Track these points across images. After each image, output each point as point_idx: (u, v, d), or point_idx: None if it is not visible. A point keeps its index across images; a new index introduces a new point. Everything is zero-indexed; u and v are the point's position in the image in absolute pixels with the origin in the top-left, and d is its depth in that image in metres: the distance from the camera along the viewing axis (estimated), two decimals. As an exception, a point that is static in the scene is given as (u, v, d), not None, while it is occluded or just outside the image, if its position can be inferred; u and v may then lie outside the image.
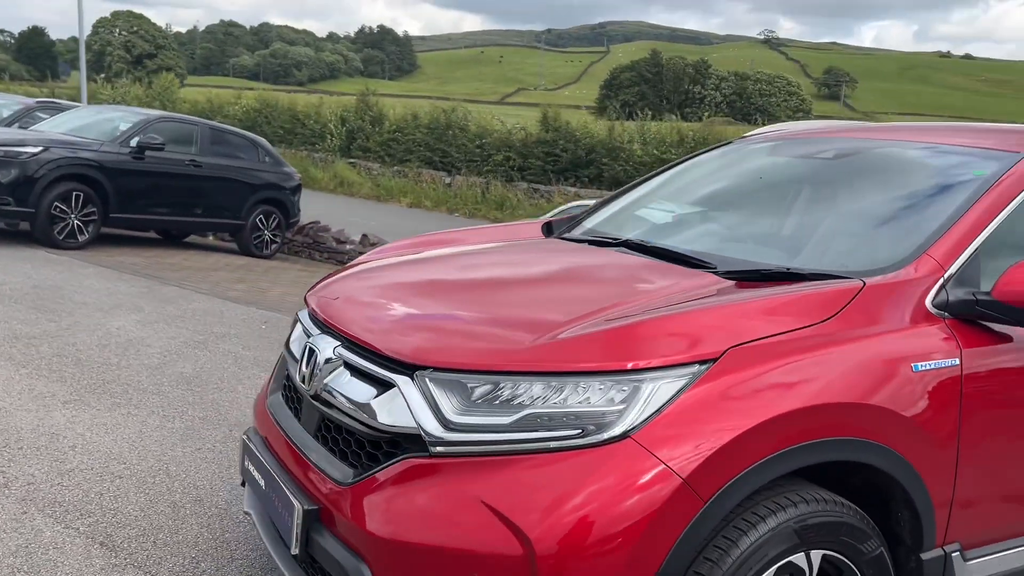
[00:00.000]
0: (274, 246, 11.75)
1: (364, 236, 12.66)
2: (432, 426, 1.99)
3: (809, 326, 2.08)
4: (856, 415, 2.04)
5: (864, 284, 2.20)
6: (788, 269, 2.38)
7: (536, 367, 1.95)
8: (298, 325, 2.79)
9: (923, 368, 2.15)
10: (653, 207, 3.32)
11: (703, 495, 1.85)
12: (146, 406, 4.56)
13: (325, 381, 2.31)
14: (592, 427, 1.89)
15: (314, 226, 13.12)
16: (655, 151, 21.96)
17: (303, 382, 2.40)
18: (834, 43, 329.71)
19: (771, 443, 1.92)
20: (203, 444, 4.13)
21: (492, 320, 2.23)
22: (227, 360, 5.59)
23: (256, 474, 2.53)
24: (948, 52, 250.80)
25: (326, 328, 2.45)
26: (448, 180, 25.26)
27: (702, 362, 1.93)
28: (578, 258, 2.81)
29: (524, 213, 21.92)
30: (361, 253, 12.43)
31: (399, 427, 2.06)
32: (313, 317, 2.61)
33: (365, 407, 2.14)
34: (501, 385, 1.97)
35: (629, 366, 1.91)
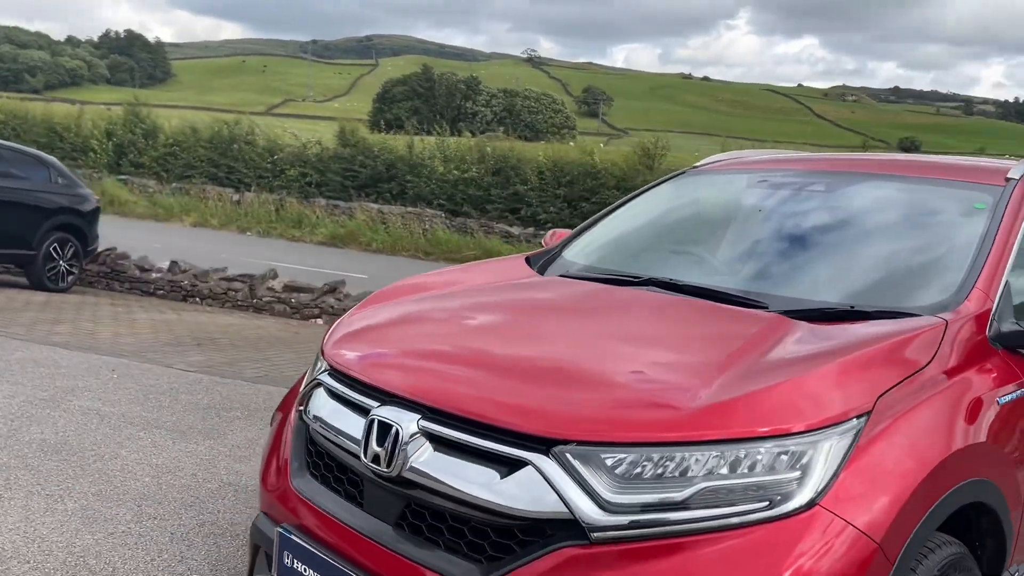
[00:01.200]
0: (71, 278, 10.43)
1: (174, 263, 11.58)
2: (588, 509, 1.78)
3: (923, 368, 2.10)
4: (978, 455, 2.09)
5: (947, 322, 2.26)
6: (852, 307, 2.40)
7: (704, 435, 1.80)
8: (320, 391, 2.42)
9: (1006, 400, 2.26)
10: (645, 242, 3.26)
11: (891, 557, 1.80)
12: (18, 486, 3.81)
13: (411, 462, 2.01)
14: (778, 497, 1.76)
15: (111, 253, 11.82)
16: (456, 169, 22.08)
17: (376, 463, 2.06)
18: (590, 63, 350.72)
19: (935, 493, 1.91)
20: (114, 527, 3.51)
21: (615, 383, 2.02)
22: (91, 420, 4.82)
23: (315, 574, 2.14)
24: (690, 74, 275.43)
25: (393, 398, 2.12)
26: (236, 197, 23.84)
27: (859, 416, 1.88)
28: (627, 301, 2.64)
29: (326, 231, 21.21)
30: (173, 281, 11.43)
31: (544, 513, 1.82)
32: (358, 382, 2.26)
33: (486, 491, 1.88)
34: (665, 458, 1.79)
35: (803, 427, 1.82)
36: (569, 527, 1.80)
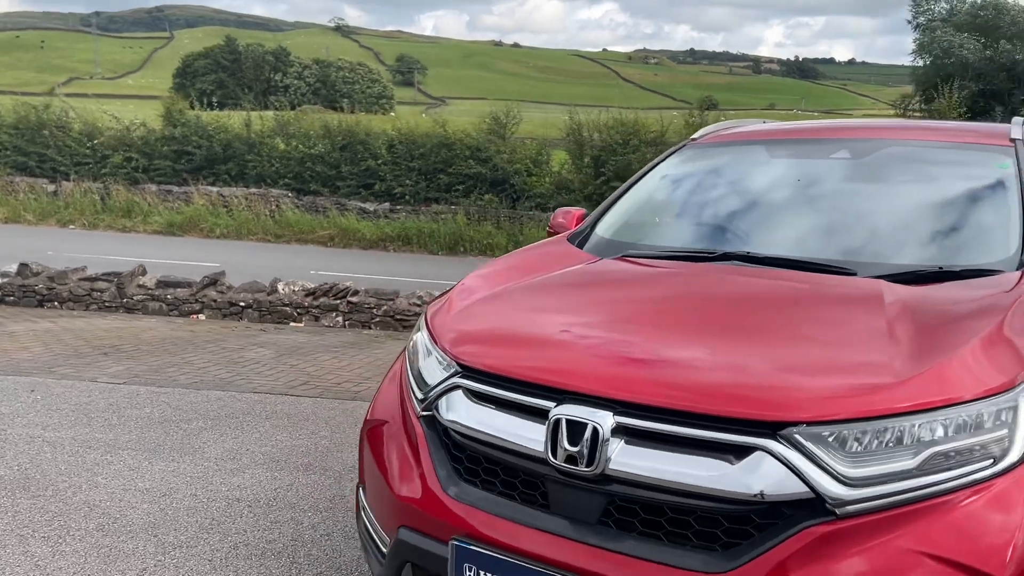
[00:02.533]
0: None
1: (24, 265, 10.45)
2: (831, 486, 1.82)
3: None
4: None
5: None
6: (940, 268, 2.59)
7: (925, 403, 1.88)
8: (457, 395, 2.30)
9: None
10: (687, 217, 3.32)
11: None
12: (2, 531, 3.38)
13: (614, 459, 1.98)
14: (998, 453, 1.88)
15: (-60, 259, 10.50)
16: (301, 146, 21.25)
17: (572, 463, 2.01)
18: (400, 31, 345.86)
19: None
20: (143, 562, 3.20)
21: (810, 363, 2.06)
22: (41, 448, 4.33)
23: None
24: (500, 41, 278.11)
25: (575, 396, 2.07)
26: (53, 188, 21.79)
27: None
28: (742, 281, 2.63)
29: (161, 219, 19.85)
30: (25, 286, 10.32)
31: (784, 495, 1.84)
32: (518, 383, 2.17)
33: (715, 480, 1.88)
34: (892, 428, 1.86)
35: (1002, 386, 1.94)
36: (806, 506, 1.83)
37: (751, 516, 1.88)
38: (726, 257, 2.82)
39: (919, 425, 1.86)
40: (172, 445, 4.48)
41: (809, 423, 1.86)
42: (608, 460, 1.97)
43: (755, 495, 1.85)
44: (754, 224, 3.16)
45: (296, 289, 9.93)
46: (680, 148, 3.85)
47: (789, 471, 1.84)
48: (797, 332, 2.25)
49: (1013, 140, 3.16)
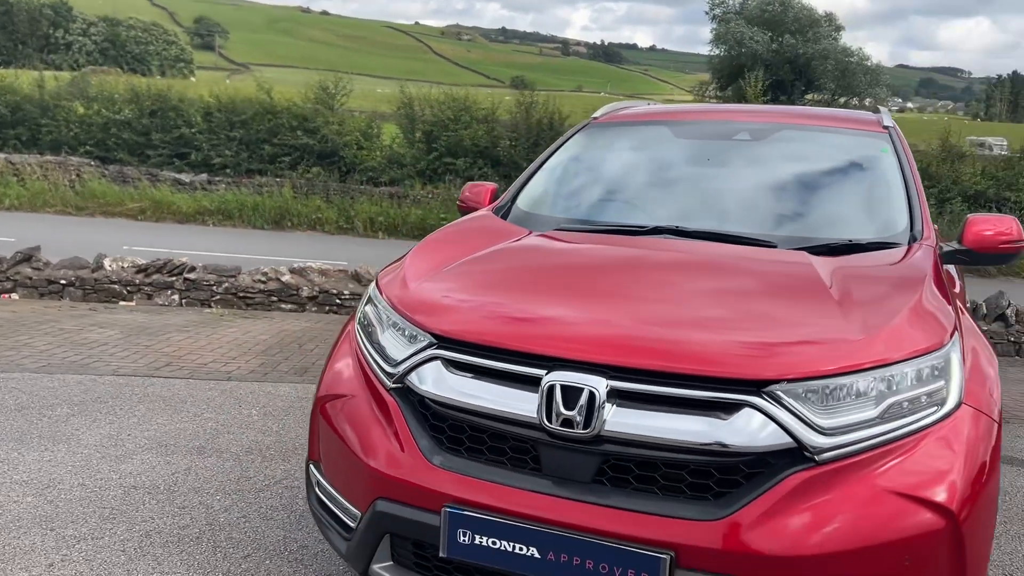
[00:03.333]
0: None
1: None
2: (811, 436, 2.02)
3: (949, 285, 2.64)
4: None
5: (932, 248, 2.84)
6: (850, 241, 2.90)
7: (882, 359, 2.12)
8: (434, 366, 2.31)
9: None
10: (609, 193, 3.45)
11: (999, 423, 2.30)
12: None
13: (608, 421, 2.08)
14: (941, 401, 2.16)
15: None
16: (104, 110, 19.59)
17: (569, 427, 2.09)
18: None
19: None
20: (48, 560, 2.95)
21: (776, 325, 2.24)
22: None
23: (516, 545, 2.11)
24: (308, 8, 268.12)
25: (565, 362, 2.15)
26: None
27: (955, 329, 2.34)
28: (680, 251, 2.80)
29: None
30: None
31: (771, 446, 2.02)
32: (503, 352, 2.22)
33: (708, 435, 2.03)
34: (857, 382, 2.08)
35: (939, 343, 2.22)
36: (788, 455, 2.03)
37: (740, 467, 2.05)
38: (656, 231, 3.00)
39: (878, 379, 2.11)
40: (40, 433, 4.11)
41: (790, 380, 2.05)
42: (604, 422, 2.08)
43: (744, 447, 2.02)
44: (674, 200, 3.37)
45: (125, 266, 9.25)
46: (584, 126, 3.99)
47: (774, 424, 2.03)
48: (759, 298, 2.45)
49: (886, 127, 3.57)
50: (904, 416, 2.11)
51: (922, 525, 2.01)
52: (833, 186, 3.35)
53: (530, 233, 3.06)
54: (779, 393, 2.05)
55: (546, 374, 2.15)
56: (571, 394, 2.10)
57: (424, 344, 2.38)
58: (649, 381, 2.09)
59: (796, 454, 2.03)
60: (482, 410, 2.23)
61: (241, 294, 9.08)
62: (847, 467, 2.04)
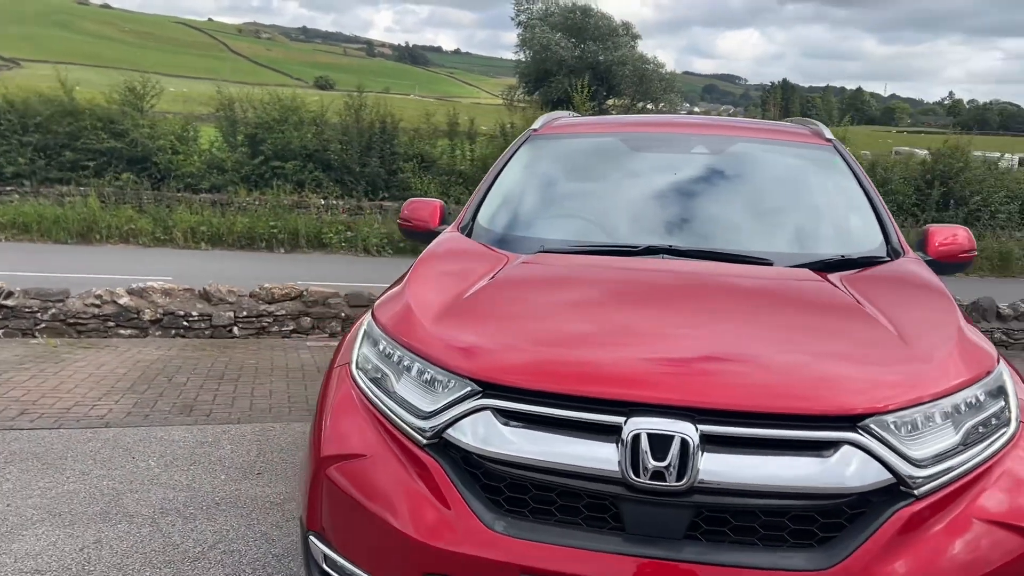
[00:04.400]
0: None
1: None
2: (909, 470, 1.94)
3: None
4: None
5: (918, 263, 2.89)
6: (842, 256, 2.88)
7: (952, 388, 2.08)
8: (482, 418, 2.02)
9: None
10: (582, 210, 3.27)
11: None
12: None
13: (702, 470, 1.90)
14: (1005, 421, 2.14)
15: None
16: None
17: (660, 479, 1.89)
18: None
19: None
20: None
21: (849, 357, 2.14)
22: None
23: None
24: (87, 0, 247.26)
25: (647, 408, 1.95)
26: None
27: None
28: (692, 274, 2.67)
29: None
30: None
31: (873, 484, 1.92)
32: (572, 399, 1.98)
33: (810, 478, 1.90)
34: (938, 411, 2.03)
35: (995, 362, 2.23)
36: (886, 492, 1.94)
37: (843, 508, 1.94)
38: (649, 251, 2.85)
39: (955, 405, 2.08)
40: None
41: (881, 413, 1.97)
42: (698, 472, 1.90)
43: (848, 487, 1.90)
44: (655, 217, 3.23)
45: (-76, 292, 7.99)
46: (528, 139, 3.77)
47: (874, 460, 1.93)
48: (813, 326, 2.34)
49: (828, 140, 3.64)
50: (981, 440, 2.09)
51: (1020, 548, 1.97)
52: (804, 200, 3.35)
53: (518, 256, 2.82)
54: (873, 427, 1.96)
55: (625, 421, 1.94)
56: (659, 443, 1.91)
57: (464, 392, 2.10)
58: (740, 423, 1.94)
59: (894, 490, 1.95)
60: (550, 466, 1.98)
61: (72, 320, 8.08)
62: (943, 499, 1.98)
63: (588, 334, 2.25)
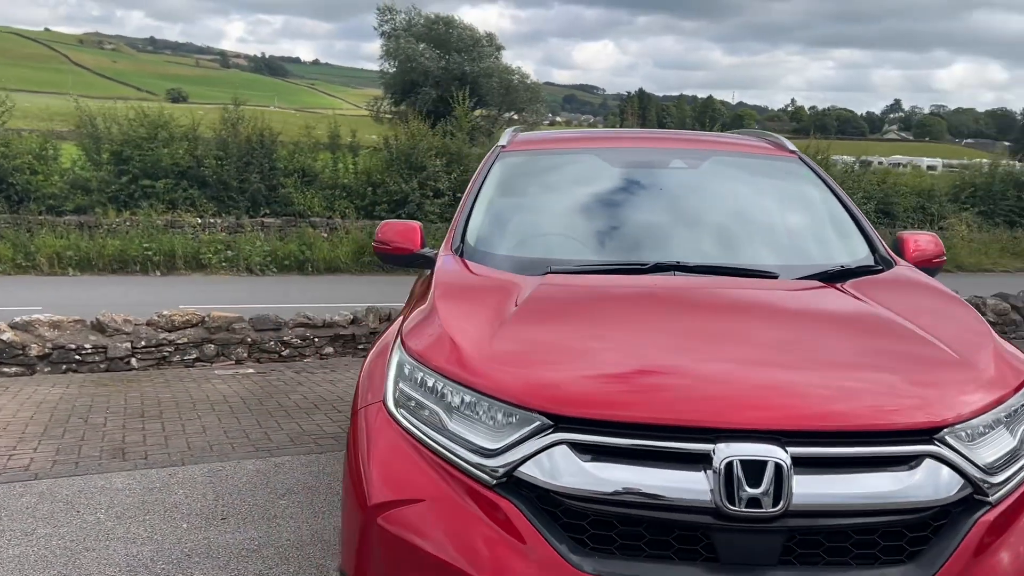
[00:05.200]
0: None
1: None
2: (984, 478, 1.98)
3: None
4: None
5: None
6: (842, 267, 2.95)
7: (1006, 395, 2.14)
8: (558, 452, 1.95)
9: None
10: (580, 230, 3.24)
11: None
12: None
13: (795, 493, 1.89)
14: None
15: None
16: None
17: (756, 506, 1.87)
18: None
19: None
20: None
21: (907, 368, 2.19)
22: None
23: None
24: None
25: (730, 433, 1.92)
26: None
27: None
28: (720, 290, 2.67)
29: None
30: None
31: (952, 496, 1.95)
32: (653, 429, 1.94)
33: (898, 494, 1.92)
34: (997, 417, 2.09)
35: None
36: (964, 502, 1.98)
37: (928, 521, 1.97)
38: (657, 268, 2.84)
39: (1008, 410, 2.14)
40: None
41: (954, 424, 2.01)
42: (791, 495, 1.90)
43: (931, 500, 1.94)
44: (654, 234, 3.22)
45: None
46: (498, 156, 3.68)
47: (954, 472, 1.97)
48: (864, 341, 2.37)
49: (792, 151, 3.75)
50: None
51: None
52: (788, 212, 3.42)
53: (529, 279, 2.75)
54: (947, 438, 2.00)
55: (714, 449, 1.91)
56: (753, 469, 1.89)
57: (534, 427, 2.02)
58: (826, 443, 1.95)
59: (970, 500, 1.99)
60: (637, 499, 1.92)
61: (-57, 362, 7.35)
62: (1015, 503, 2.03)
63: (656, 360, 2.21)
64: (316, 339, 8.49)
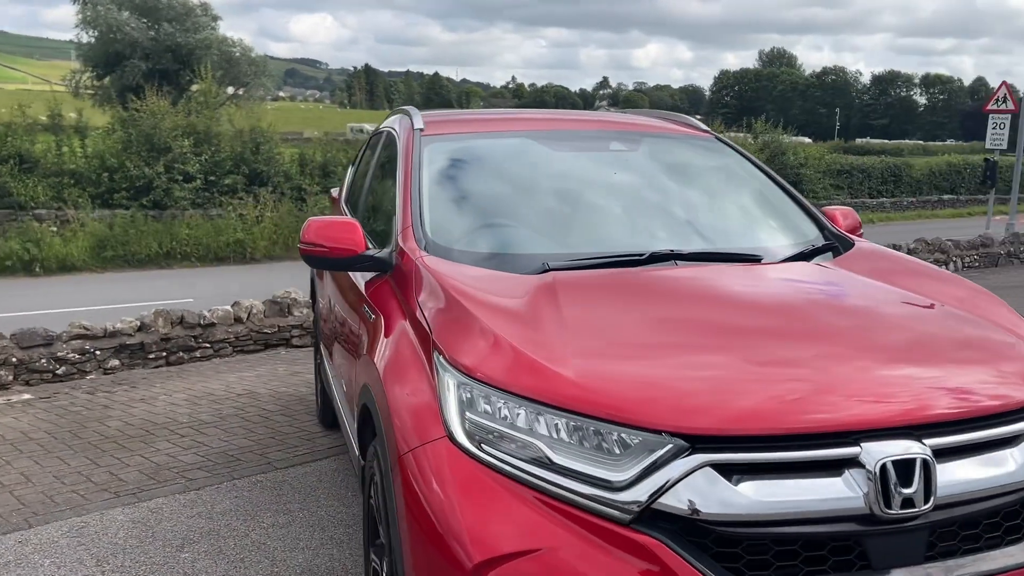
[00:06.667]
0: None
1: None
2: None
3: None
4: None
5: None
6: (813, 247, 2.95)
7: None
8: (703, 475, 1.78)
9: None
10: (553, 220, 3.00)
11: None
12: None
13: (938, 487, 1.85)
14: None
15: None
16: None
17: (909, 506, 1.82)
18: None
19: None
20: None
21: (980, 347, 2.23)
22: None
23: None
24: None
25: (870, 433, 1.85)
26: None
27: None
28: (748, 279, 2.60)
29: None
30: None
31: None
32: (789, 436, 1.82)
33: (1019, 473, 1.94)
34: None
35: None
36: None
37: None
38: (653, 258, 2.69)
39: None
40: None
41: None
42: (936, 489, 1.87)
43: None
44: (626, 220, 3.09)
45: None
46: (422, 140, 3.28)
47: None
48: (930, 323, 2.39)
49: (707, 131, 3.76)
50: None
51: None
52: (737, 192, 3.41)
53: (531, 278, 2.49)
54: None
55: (860, 451, 1.84)
56: (901, 468, 1.83)
57: (668, 450, 1.82)
58: (957, 431, 1.95)
59: None
60: (792, 516, 1.81)
61: None
62: None
63: (767, 363, 2.07)
64: (98, 352, 7.35)
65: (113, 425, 5.20)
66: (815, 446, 1.84)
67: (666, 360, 2.07)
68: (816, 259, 2.88)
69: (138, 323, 7.81)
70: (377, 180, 3.73)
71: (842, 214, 3.43)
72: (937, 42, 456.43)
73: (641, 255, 2.71)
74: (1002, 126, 16.47)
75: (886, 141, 71.90)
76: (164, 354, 7.77)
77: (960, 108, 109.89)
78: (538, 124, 3.69)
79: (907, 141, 75.38)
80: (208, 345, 7.96)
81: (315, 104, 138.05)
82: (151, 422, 5.25)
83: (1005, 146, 16.68)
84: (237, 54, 51.24)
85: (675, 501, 1.79)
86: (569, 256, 2.71)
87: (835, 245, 3.04)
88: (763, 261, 2.79)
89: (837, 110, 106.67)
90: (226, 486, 4.06)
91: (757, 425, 1.84)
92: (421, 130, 3.38)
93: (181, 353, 7.80)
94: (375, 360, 2.48)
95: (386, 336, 2.51)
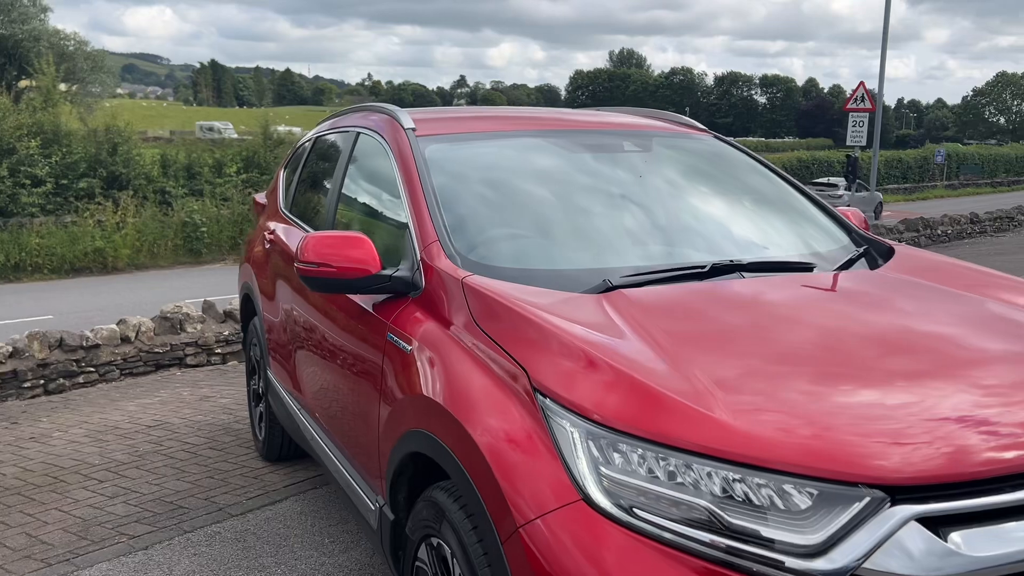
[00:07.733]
0: None
1: None
2: None
3: None
4: None
5: None
6: (859, 251, 2.77)
7: None
8: (906, 535, 1.52)
9: None
10: (597, 229, 2.68)
11: None
12: None
13: None
14: None
15: None
16: None
17: None
18: None
19: None
20: None
21: None
22: None
23: None
24: None
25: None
26: None
27: None
28: (834, 291, 2.41)
29: None
30: None
31: None
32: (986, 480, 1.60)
33: None
34: None
35: None
36: None
37: None
38: (715, 270, 2.43)
39: None
40: None
41: None
42: None
43: None
44: (665, 228, 2.82)
45: None
46: (419, 142, 2.89)
47: None
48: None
49: (704, 130, 3.56)
50: None
51: None
52: (763, 196, 3.20)
53: (601, 297, 2.19)
54: None
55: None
56: None
57: (865, 504, 1.56)
58: None
59: None
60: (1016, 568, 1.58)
61: None
62: None
63: (934, 392, 1.85)
64: (-37, 382, 6.45)
65: (9, 472, 4.45)
66: (1011, 489, 1.63)
67: (831, 395, 1.81)
68: (873, 267, 2.70)
69: (10, 348, 6.89)
70: (358, 187, 3.29)
71: (852, 214, 3.33)
72: (769, 44, 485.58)
73: (703, 267, 2.45)
74: (861, 124, 17.49)
75: (732, 139, 75.95)
76: (42, 382, 6.92)
77: (795, 107, 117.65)
78: (538, 124, 3.34)
79: (751, 139, 79.92)
80: (92, 369, 7.15)
81: (158, 101, 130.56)
82: (55, 466, 4.53)
83: (864, 142, 17.72)
84: (71, 48, 47.84)
85: (885, 563, 1.52)
86: (625, 270, 2.41)
87: (869, 250, 2.89)
88: (815, 270, 2.60)
89: (687, 109, 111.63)
90: (178, 541, 3.48)
91: (958, 470, 1.61)
92: (413, 130, 2.98)
93: (62, 380, 6.96)
94: (437, 398, 2.09)
95: (445, 372, 2.13)
